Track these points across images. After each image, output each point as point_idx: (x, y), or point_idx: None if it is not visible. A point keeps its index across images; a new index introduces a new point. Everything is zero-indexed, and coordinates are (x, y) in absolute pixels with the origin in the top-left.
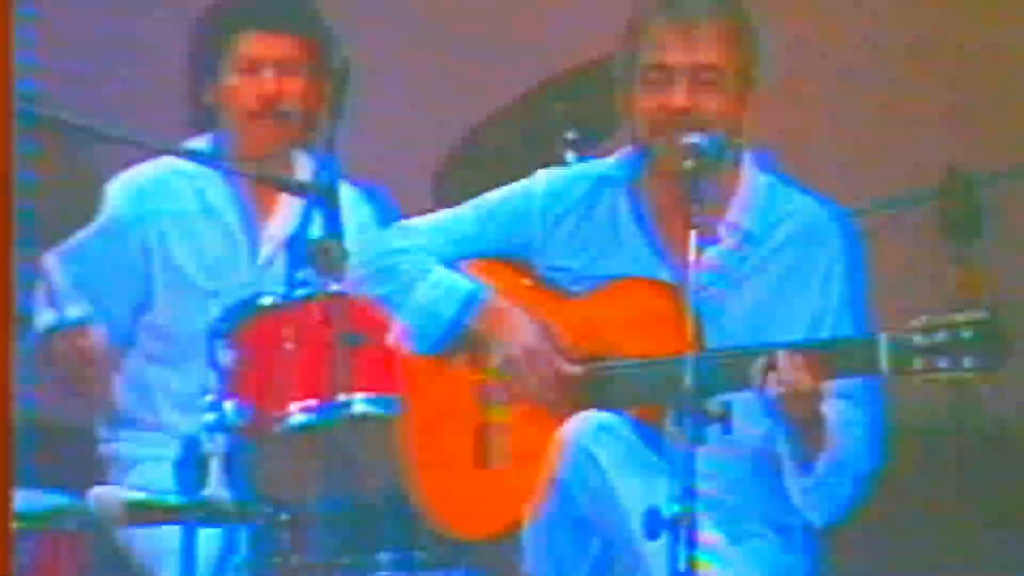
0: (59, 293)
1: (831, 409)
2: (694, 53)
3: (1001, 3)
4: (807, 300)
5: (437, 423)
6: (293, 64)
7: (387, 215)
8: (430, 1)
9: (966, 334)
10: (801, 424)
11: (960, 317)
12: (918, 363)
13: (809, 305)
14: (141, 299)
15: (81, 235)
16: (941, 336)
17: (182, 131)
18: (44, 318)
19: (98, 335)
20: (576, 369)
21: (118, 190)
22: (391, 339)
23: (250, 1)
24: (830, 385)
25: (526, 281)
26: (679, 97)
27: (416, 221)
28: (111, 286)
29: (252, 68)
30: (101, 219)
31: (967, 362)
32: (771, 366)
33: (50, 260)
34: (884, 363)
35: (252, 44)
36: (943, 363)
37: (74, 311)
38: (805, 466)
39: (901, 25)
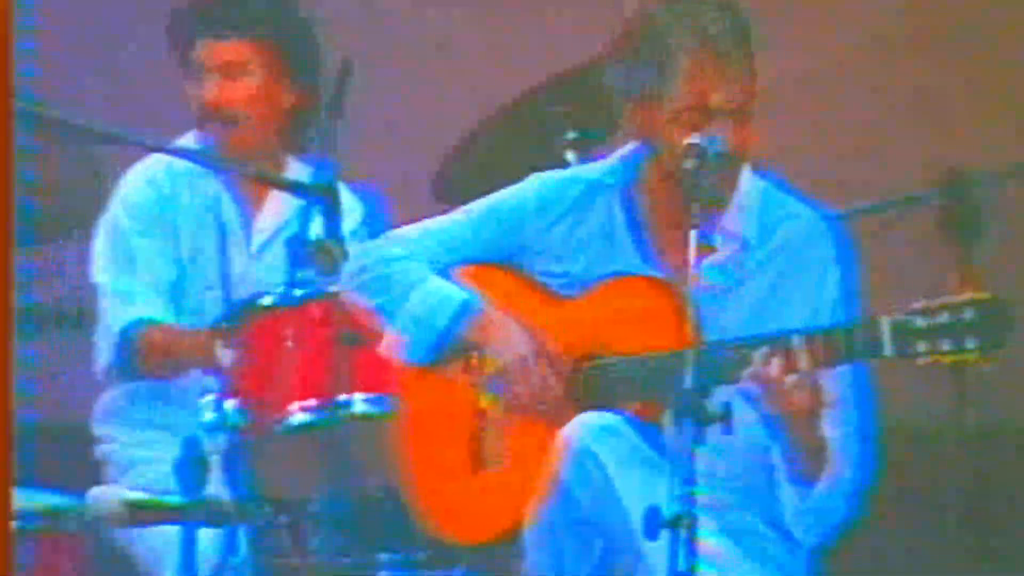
0: (126, 291)
1: (827, 427)
2: (731, 93)
3: (1002, 3)
4: (801, 306)
5: (432, 429)
6: (241, 68)
7: (377, 217)
8: (430, 1)
9: (969, 315)
10: (798, 426)
11: (962, 298)
12: (921, 346)
13: (803, 310)
14: (170, 289)
15: (119, 236)
16: (944, 317)
17: (181, 131)
18: (124, 315)
19: (170, 326)
20: (569, 376)
21: (136, 185)
22: (383, 349)
23: (201, 7)
24: (826, 398)
25: (520, 285)
26: (720, 135)
27: (408, 228)
28: (157, 279)
29: (199, 76)
30: (131, 217)
31: (970, 343)
32: (773, 353)
33: (101, 270)
34: (887, 347)
35: (201, 50)
36: (946, 345)
37: (150, 307)
38: (802, 485)
39: (901, 24)
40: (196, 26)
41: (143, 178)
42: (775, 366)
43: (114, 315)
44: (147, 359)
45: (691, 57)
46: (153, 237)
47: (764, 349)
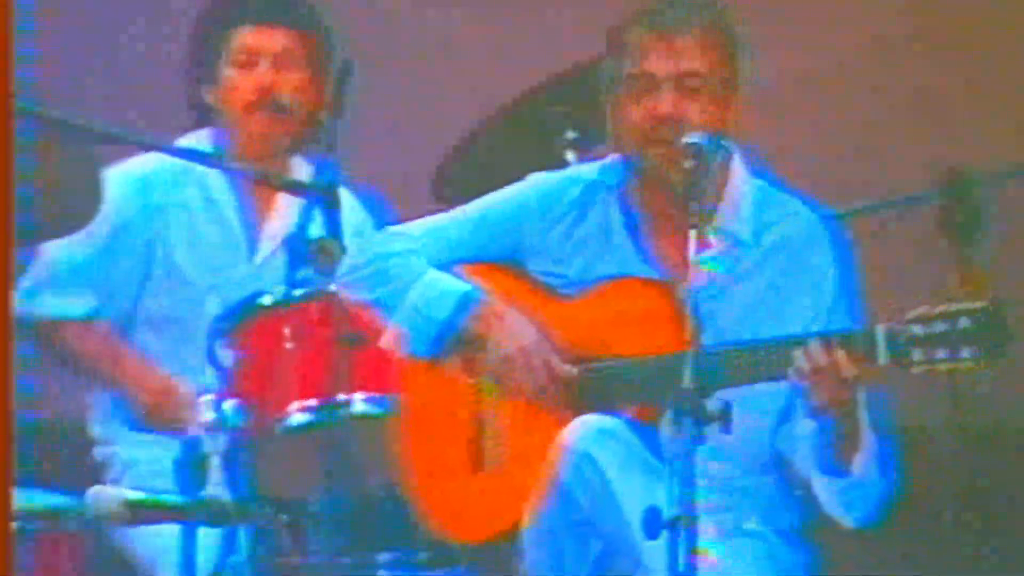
0: (63, 282)
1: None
2: (677, 61)
3: (1002, 3)
4: (799, 304)
5: (432, 427)
6: (290, 57)
7: (382, 220)
8: (430, 1)
9: (964, 324)
10: (839, 417)
11: (958, 307)
12: (916, 355)
13: (801, 309)
14: (141, 292)
15: (87, 230)
16: (939, 326)
17: (181, 130)
18: (47, 304)
19: (103, 330)
20: (573, 369)
21: (121, 180)
22: (383, 342)
23: None
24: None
25: (520, 285)
26: (664, 104)
27: (408, 226)
28: (114, 278)
29: (249, 61)
30: (105, 209)
31: (966, 352)
32: (823, 347)
33: (52, 248)
34: (882, 355)
35: (249, 36)
36: (941, 354)
37: (79, 303)
38: (836, 474)
39: (901, 24)
40: (240, 13)
41: (130, 178)
42: (826, 358)
43: (47, 299)
44: (62, 355)
45: (636, 31)
46: (124, 239)
47: (814, 343)
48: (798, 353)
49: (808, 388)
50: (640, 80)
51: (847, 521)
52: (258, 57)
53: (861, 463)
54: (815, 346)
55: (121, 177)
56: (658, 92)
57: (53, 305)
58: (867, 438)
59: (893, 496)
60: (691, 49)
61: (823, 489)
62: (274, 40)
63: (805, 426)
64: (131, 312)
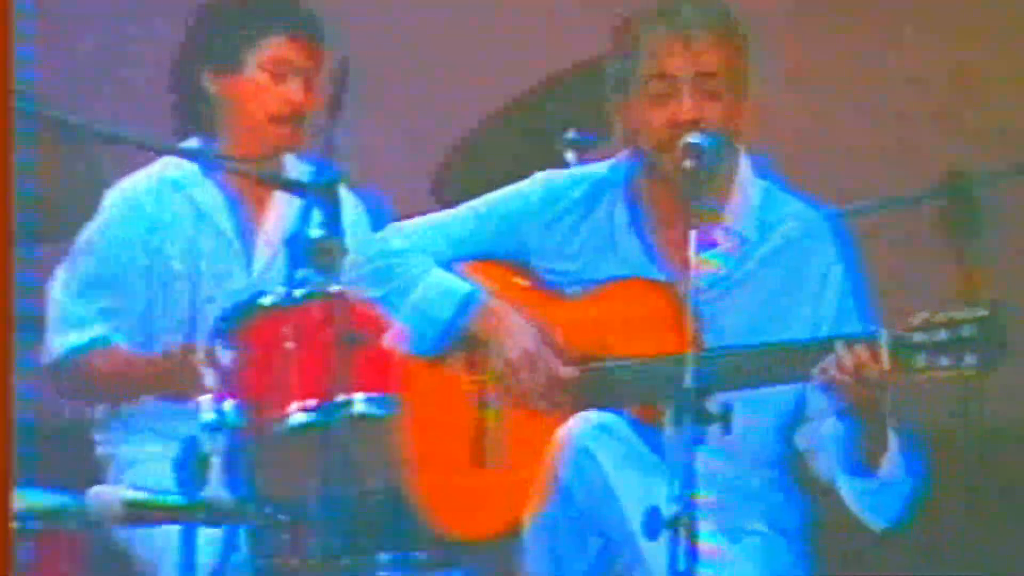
0: (74, 314)
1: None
2: (696, 62)
3: (1002, 2)
4: (804, 305)
5: (434, 424)
6: (311, 72)
7: (379, 217)
8: (430, 1)
9: (967, 331)
10: (867, 418)
11: (961, 314)
12: (920, 362)
13: (806, 310)
14: (150, 310)
15: (83, 256)
16: (942, 334)
17: (180, 131)
18: (65, 340)
19: (123, 352)
20: (573, 371)
21: (118, 203)
22: (387, 340)
23: (285, 5)
24: None
25: (523, 282)
26: (686, 108)
27: (412, 222)
28: (124, 301)
29: (281, 73)
30: (102, 235)
31: (969, 360)
32: (853, 347)
33: (57, 284)
34: (886, 362)
35: (286, 48)
36: (945, 361)
37: (97, 330)
38: (862, 475)
39: (902, 22)
40: (277, 20)
41: (123, 198)
42: (858, 358)
43: (54, 339)
44: (92, 385)
45: (653, 32)
46: (123, 259)
47: (841, 343)
48: (822, 355)
49: (836, 390)
50: (659, 82)
51: (876, 523)
52: (289, 70)
53: (887, 463)
54: (842, 349)
55: (117, 199)
56: (679, 96)
57: (67, 342)
58: (890, 437)
59: (919, 494)
60: (708, 50)
61: (850, 491)
62: (303, 55)
63: (830, 427)
64: (146, 330)
